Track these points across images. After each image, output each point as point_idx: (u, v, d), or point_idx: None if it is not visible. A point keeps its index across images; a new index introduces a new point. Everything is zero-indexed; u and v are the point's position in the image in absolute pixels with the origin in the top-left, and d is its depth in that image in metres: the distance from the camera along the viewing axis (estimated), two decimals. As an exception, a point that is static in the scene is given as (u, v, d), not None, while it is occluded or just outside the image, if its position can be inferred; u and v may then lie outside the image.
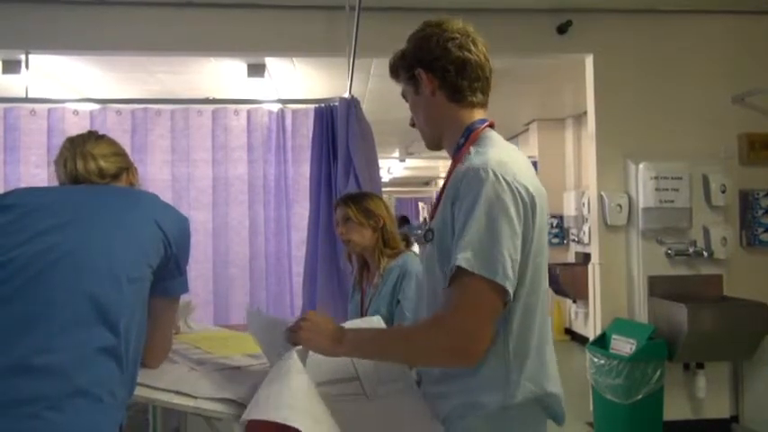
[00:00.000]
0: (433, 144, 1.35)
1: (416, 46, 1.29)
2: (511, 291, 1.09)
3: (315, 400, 1.10)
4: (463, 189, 1.13)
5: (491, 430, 1.18)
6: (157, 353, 1.39)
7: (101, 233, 1.21)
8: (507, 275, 1.08)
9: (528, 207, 1.14)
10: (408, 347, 1.17)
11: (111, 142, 1.49)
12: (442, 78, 1.26)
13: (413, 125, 1.38)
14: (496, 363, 1.16)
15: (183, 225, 1.37)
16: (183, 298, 1.47)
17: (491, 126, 1.29)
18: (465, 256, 1.07)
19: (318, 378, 1.23)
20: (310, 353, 1.23)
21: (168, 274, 1.32)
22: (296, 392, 1.08)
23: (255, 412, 1.03)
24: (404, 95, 1.38)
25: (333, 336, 1.21)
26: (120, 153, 1.48)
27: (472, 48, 1.27)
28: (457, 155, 1.26)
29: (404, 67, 1.32)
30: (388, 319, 2.04)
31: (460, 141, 1.26)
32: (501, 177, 1.11)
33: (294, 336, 1.21)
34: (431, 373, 1.28)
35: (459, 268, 1.08)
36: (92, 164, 1.39)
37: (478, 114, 1.29)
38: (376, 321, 1.63)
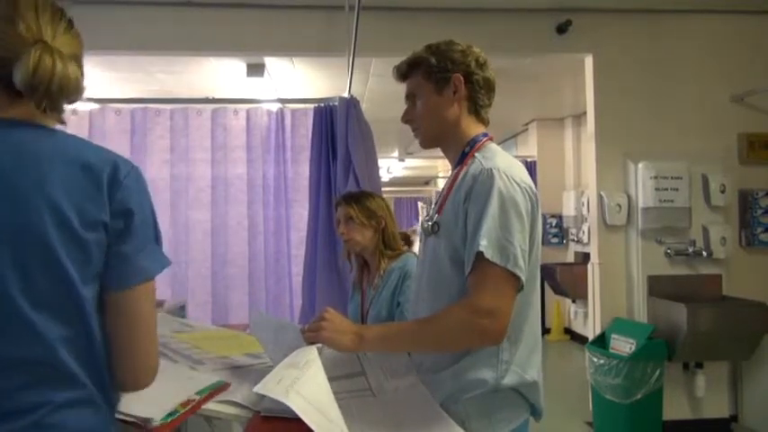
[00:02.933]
0: (431, 143, 1.44)
1: (454, 56, 1.37)
2: (522, 278, 1.21)
3: (329, 397, 1.10)
4: (477, 188, 1.25)
5: (482, 412, 1.27)
6: (141, 369, 1.01)
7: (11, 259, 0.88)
8: (518, 264, 1.20)
9: (534, 205, 1.28)
10: (437, 332, 1.24)
11: (78, 32, 1.03)
12: (472, 90, 1.38)
13: (407, 121, 1.45)
14: None
15: (130, 182, 0.98)
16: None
17: (490, 140, 1.41)
18: (484, 243, 1.19)
19: (328, 373, 1.23)
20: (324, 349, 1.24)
21: (122, 255, 0.96)
22: (312, 384, 1.09)
23: (270, 390, 1.03)
24: (411, 95, 1.43)
25: (355, 333, 1.26)
26: (81, 54, 1.04)
27: (492, 73, 1.41)
28: (462, 161, 1.37)
29: (435, 68, 1.37)
30: (389, 321, 2.03)
31: (466, 150, 1.37)
32: (511, 178, 1.25)
33: (314, 336, 1.24)
34: (427, 361, 1.34)
35: (479, 254, 1.19)
36: (61, 70, 0.94)
37: (482, 129, 1.41)
38: None
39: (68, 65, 0.96)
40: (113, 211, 0.95)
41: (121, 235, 0.96)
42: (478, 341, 1.23)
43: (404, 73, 1.43)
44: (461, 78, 1.36)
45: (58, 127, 1.04)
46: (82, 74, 1.02)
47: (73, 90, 0.97)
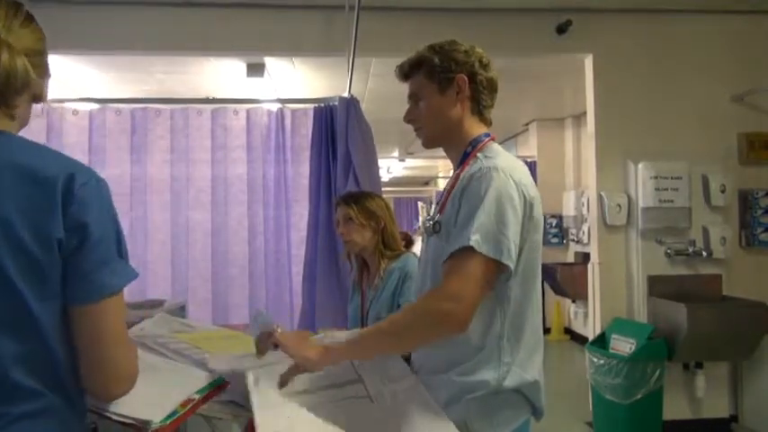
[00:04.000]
0: (434, 143, 1.44)
1: (458, 56, 1.37)
2: (511, 266, 1.20)
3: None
4: (474, 184, 1.25)
5: (483, 413, 1.27)
6: (111, 381, 0.98)
7: None
8: (510, 256, 1.20)
9: (527, 206, 1.27)
10: (401, 324, 1.23)
11: (39, 28, 1.02)
12: (475, 91, 1.38)
13: (409, 121, 1.44)
14: (491, 344, 1.27)
15: (86, 194, 0.93)
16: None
17: (492, 140, 1.40)
18: (476, 238, 1.18)
19: (322, 382, 1.23)
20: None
21: (82, 270, 0.93)
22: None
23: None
24: (413, 95, 1.42)
25: (315, 348, 1.25)
26: (43, 50, 1.02)
27: (495, 74, 1.41)
28: (464, 161, 1.37)
29: (438, 68, 1.36)
30: None
31: (468, 150, 1.37)
32: (509, 176, 1.25)
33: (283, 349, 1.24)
34: (428, 363, 1.34)
35: (465, 247, 1.18)
36: (7, 60, 0.93)
37: (484, 129, 1.41)
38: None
39: (16, 57, 0.94)
40: (68, 225, 0.91)
41: (78, 251, 0.92)
42: (441, 327, 1.18)
43: (406, 72, 1.42)
44: (465, 79, 1.35)
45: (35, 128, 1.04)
46: (39, 68, 1.00)
47: (21, 83, 0.95)
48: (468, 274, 1.17)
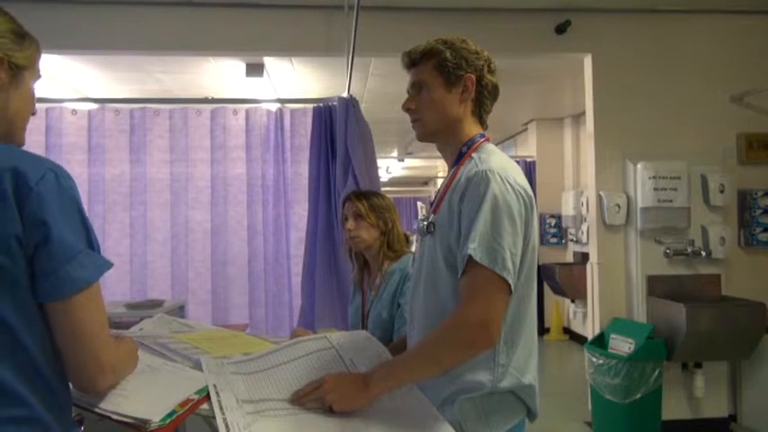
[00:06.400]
0: (429, 137, 1.43)
1: (469, 56, 1.37)
2: (510, 281, 1.21)
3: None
4: (471, 189, 1.25)
5: (479, 414, 1.27)
6: (93, 372, 0.98)
7: None
8: (506, 267, 1.20)
9: (528, 207, 1.28)
10: (434, 354, 1.22)
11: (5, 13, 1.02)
12: (480, 94, 1.39)
13: (408, 109, 1.42)
14: None
15: (43, 189, 0.91)
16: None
17: (487, 140, 1.41)
18: (473, 246, 1.20)
19: (312, 378, 1.24)
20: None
21: (48, 267, 0.91)
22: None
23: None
24: (417, 84, 1.40)
25: (358, 382, 1.21)
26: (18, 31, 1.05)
27: (498, 80, 1.42)
28: (459, 160, 1.37)
29: (449, 63, 1.35)
30: (389, 323, 2.03)
31: (463, 149, 1.38)
32: (505, 180, 1.25)
33: (323, 401, 1.19)
34: None
35: (469, 258, 1.20)
36: None
37: (480, 130, 1.42)
38: (364, 336, 1.56)
39: None
40: (26, 222, 0.89)
41: (42, 247, 0.90)
42: (475, 351, 1.22)
43: (414, 60, 1.40)
44: (474, 80, 1.36)
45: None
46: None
47: None
48: (490, 296, 1.19)
